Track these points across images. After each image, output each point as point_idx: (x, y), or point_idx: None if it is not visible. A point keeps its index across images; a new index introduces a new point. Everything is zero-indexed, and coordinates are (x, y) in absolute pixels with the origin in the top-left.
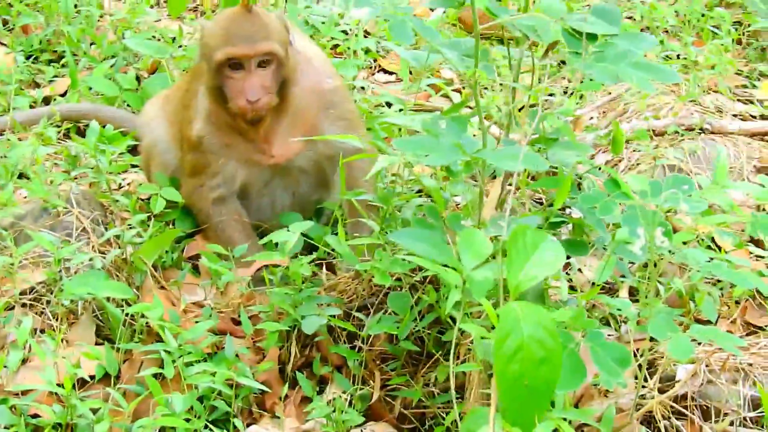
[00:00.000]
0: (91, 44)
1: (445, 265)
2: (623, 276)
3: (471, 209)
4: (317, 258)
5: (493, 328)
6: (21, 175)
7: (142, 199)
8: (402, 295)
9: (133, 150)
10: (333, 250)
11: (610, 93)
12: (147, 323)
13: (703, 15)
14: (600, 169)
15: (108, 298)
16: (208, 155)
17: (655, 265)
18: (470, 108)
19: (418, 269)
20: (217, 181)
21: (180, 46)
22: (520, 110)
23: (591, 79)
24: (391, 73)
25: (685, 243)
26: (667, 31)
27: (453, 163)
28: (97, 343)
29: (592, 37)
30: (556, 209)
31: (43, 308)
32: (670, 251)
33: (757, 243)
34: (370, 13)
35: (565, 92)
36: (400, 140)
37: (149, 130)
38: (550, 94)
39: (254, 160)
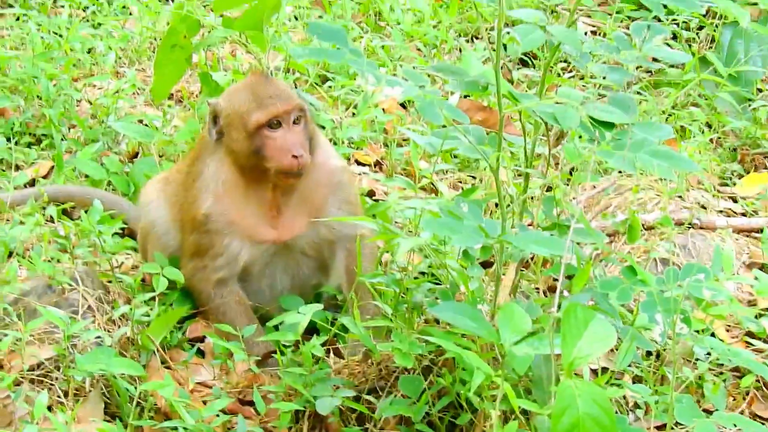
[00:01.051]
0: (70, 128)
1: (467, 347)
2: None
3: (479, 293)
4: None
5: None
6: (11, 255)
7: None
8: (413, 379)
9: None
10: (336, 335)
11: (594, 187)
12: (155, 402)
13: (671, 115)
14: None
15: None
16: (213, 235)
17: (657, 355)
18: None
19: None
20: (219, 262)
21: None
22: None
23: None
24: (364, 165)
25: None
26: None
27: (470, 248)
28: (105, 420)
29: (608, 125)
30: (575, 294)
31: (52, 384)
32: (670, 338)
33: (752, 335)
34: (402, 92)
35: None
36: (426, 221)
37: (148, 212)
38: (568, 181)
39: (259, 237)
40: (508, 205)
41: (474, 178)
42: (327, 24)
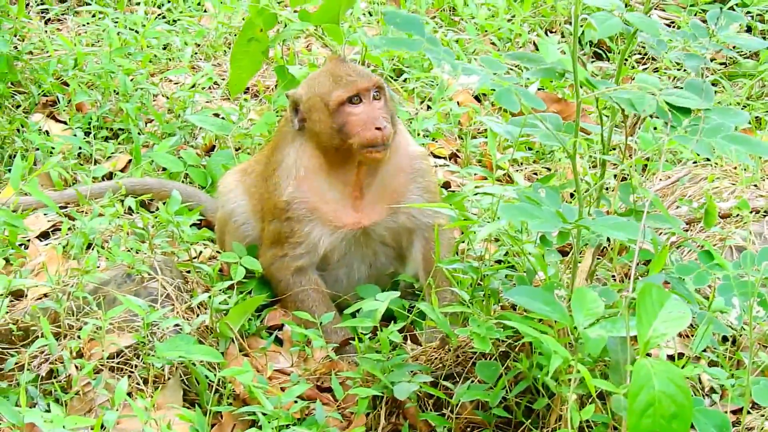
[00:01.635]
0: (147, 122)
1: (543, 331)
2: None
3: (556, 279)
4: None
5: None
6: (91, 245)
7: (219, 270)
8: (490, 364)
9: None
10: (413, 321)
11: (669, 177)
12: (233, 389)
13: (746, 106)
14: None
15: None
16: (293, 222)
17: (733, 341)
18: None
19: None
20: (299, 250)
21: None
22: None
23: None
24: (439, 157)
25: None
26: None
27: (548, 233)
28: (183, 407)
29: (684, 111)
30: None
31: (131, 371)
32: (747, 323)
33: None
34: (479, 80)
35: (615, 176)
36: (504, 207)
37: (226, 202)
38: (643, 171)
39: (340, 221)
40: (585, 191)
41: (549, 170)
42: (404, 13)
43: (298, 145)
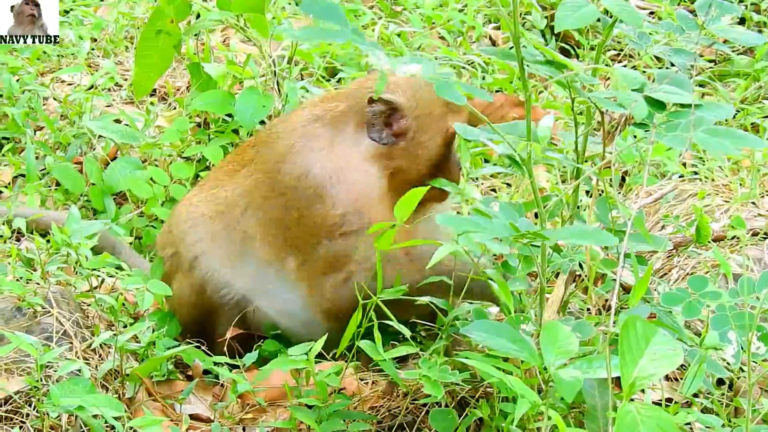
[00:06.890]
0: (36, 130)
1: (508, 372)
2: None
3: (525, 311)
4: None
5: None
6: None
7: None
8: (446, 412)
9: None
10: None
11: (651, 195)
12: None
13: (740, 110)
14: None
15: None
16: (351, 238)
17: (730, 385)
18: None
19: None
20: (367, 270)
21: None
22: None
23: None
24: None
25: None
26: None
27: (510, 256)
28: None
29: (661, 106)
30: (633, 307)
31: (23, 421)
32: (744, 364)
33: None
34: (421, 69)
35: (588, 192)
36: (443, 216)
37: (188, 250)
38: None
39: None
40: (545, 206)
41: (509, 185)
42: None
43: (345, 153)
